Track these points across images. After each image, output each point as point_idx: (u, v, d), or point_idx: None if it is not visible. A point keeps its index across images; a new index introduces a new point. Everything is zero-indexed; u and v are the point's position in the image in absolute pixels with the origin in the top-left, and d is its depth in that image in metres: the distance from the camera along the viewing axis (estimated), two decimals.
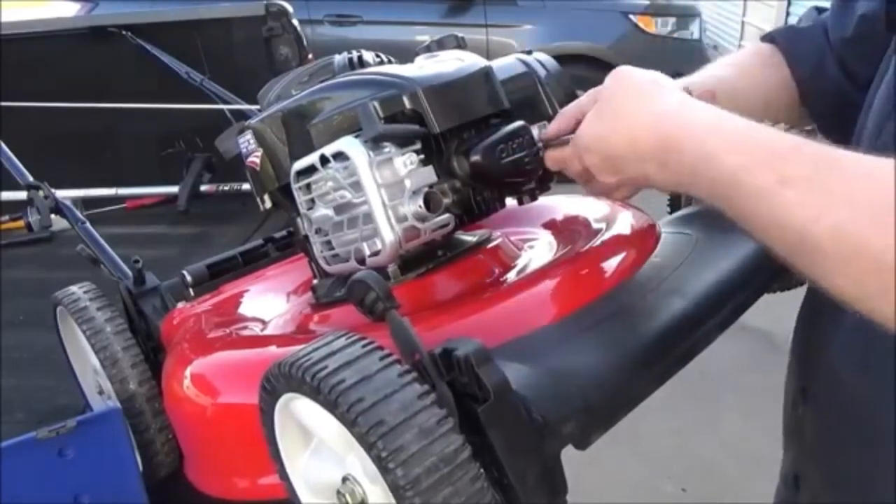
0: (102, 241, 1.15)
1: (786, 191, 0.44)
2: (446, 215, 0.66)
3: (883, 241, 0.39)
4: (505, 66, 0.75)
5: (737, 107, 0.52)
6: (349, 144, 0.63)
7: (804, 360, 0.70)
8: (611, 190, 0.65)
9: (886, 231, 0.39)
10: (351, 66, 0.79)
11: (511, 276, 0.75)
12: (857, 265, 0.41)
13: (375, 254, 0.64)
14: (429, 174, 0.65)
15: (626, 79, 0.58)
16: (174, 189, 2.21)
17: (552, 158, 0.67)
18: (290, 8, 2.27)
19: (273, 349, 0.73)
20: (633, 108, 0.56)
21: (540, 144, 0.68)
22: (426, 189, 0.64)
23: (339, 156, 0.64)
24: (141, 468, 0.95)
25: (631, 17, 4.34)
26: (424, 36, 3.35)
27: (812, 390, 0.67)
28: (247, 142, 0.80)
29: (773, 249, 0.47)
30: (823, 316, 0.64)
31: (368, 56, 0.81)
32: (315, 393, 0.46)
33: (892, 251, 0.39)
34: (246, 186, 1.83)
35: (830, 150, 0.45)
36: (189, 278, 0.96)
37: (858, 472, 0.60)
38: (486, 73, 0.70)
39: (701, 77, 0.72)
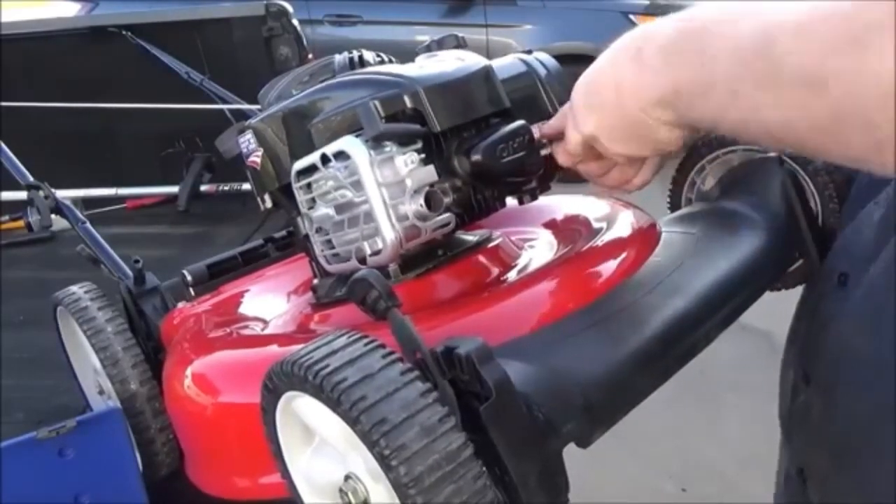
0: (103, 241, 1.16)
1: (781, 33, 0.42)
2: (447, 214, 0.66)
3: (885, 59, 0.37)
4: (505, 65, 0.75)
5: None
6: (350, 143, 0.63)
7: (807, 343, 0.69)
8: (620, 169, 0.64)
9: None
10: (351, 65, 0.79)
11: (512, 275, 0.76)
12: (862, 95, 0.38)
13: (376, 253, 0.65)
14: (430, 173, 0.65)
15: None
16: (174, 189, 2.21)
17: (562, 153, 0.67)
18: (290, 8, 2.28)
19: (274, 348, 0.73)
20: (615, 57, 0.56)
21: (544, 141, 0.68)
22: (427, 188, 0.64)
23: (340, 155, 0.64)
24: (141, 468, 0.95)
25: (631, 17, 4.35)
26: (424, 36, 3.35)
27: (817, 372, 0.67)
28: (247, 141, 0.80)
29: (733, 101, 0.46)
30: (828, 295, 0.64)
31: (369, 56, 0.81)
32: (317, 391, 0.46)
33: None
34: (246, 186, 1.83)
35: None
36: (189, 278, 0.96)
37: (871, 446, 0.60)
38: (487, 73, 0.70)
39: None
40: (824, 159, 0.44)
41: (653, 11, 4.41)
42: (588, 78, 0.58)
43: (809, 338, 0.69)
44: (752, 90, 0.44)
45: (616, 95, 0.55)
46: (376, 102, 0.65)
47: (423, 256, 0.71)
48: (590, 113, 0.58)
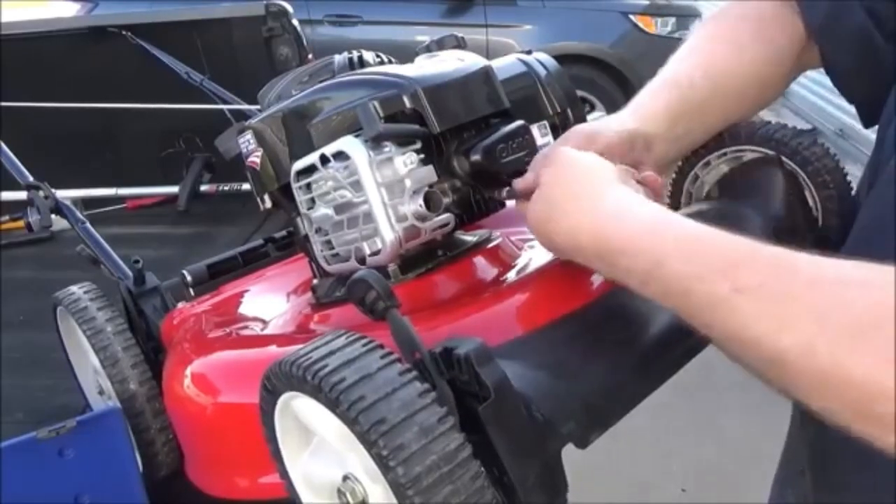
0: (103, 241, 1.16)
1: (741, 300, 0.41)
2: (446, 215, 0.66)
3: (864, 364, 0.35)
4: (505, 65, 0.75)
5: (728, 96, 0.50)
6: (350, 144, 0.63)
7: None
8: None
9: (866, 352, 0.35)
10: (351, 66, 0.79)
11: (511, 275, 0.76)
12: (837, 389, 0.37)
13: (376, 253, 0.65)
14: (429, 174, 0.65)
15: (564, 169, 0.57)
16: (174, 189, 2.21)
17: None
18: (290, 8, 2.28)
19: (273, 349, 0.73)
20: (572, 209, 0.54)
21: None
22: (426, 188, 0.64)
23: (340, 155, 0.64)
24: (141, 468, 0.95)
25: (631, 17, 4.34)
26: (424, 36, 3.35)
27: None
28: (247, 142, 0.80)
29: (738, 362, 0.44)
30: None
31: (368, 56, 0.81)
32: (316, 391, 0.46)
33: (884, 376, 0.34)
34: (246, 186, 1.83)
35: (789, 254, 0.42)
36: (189, 278, 0.96)
37: (872, 464, 0.59)
38: (486, 73, 0.70)
39: (663, 90, 0.67)
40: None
41: (652, 11, 4.41)
42: (546, 241, 0.58)
43: None
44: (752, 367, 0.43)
45: (584, 263, 0.55)
46: (376, 103, 0.65)
47: (422, 257, 0.71)
48: (549, 245, 0.59)
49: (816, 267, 0.40)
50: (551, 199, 0.56)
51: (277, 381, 0.50)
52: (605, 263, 0.52)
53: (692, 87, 0.66)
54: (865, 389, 0.35)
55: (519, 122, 0.68)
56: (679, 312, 0.47)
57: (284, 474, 0.56)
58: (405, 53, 0.82)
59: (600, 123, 0.66)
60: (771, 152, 0.74)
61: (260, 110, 0.83)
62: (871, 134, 0.62)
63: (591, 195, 0.53)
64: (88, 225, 1.20)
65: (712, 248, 0.45)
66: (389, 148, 0.63)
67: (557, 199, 0.55)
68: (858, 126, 0.65)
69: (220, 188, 2.20)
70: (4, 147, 1.44)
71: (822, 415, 0.39)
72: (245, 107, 2.04)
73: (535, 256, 0.81)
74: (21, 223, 2.13)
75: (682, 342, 0.61)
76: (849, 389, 0.36)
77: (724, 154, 0.85)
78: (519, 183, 0.64)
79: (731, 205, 0.83)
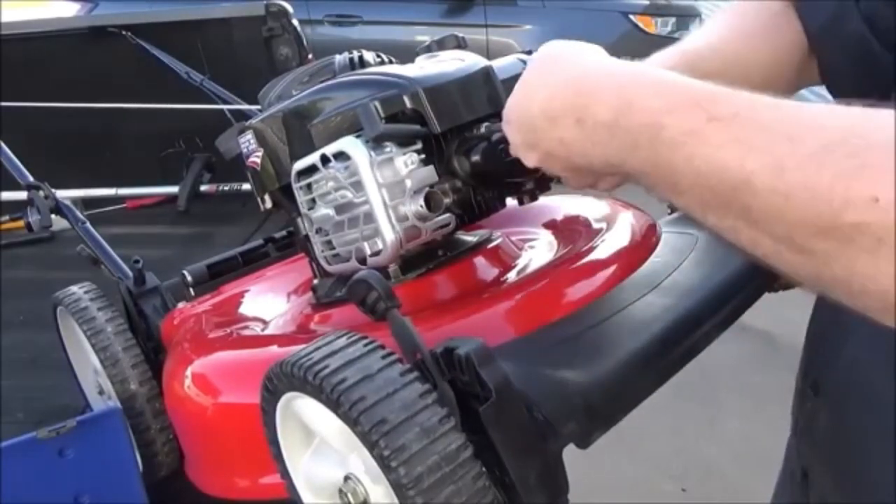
0: (103, 241, 1.16)
1: (714, 129, 0.39)
2: (447, 215, 0.66)
3: (831, 175, 0.34)
4: (505, 66, 0.75)
5: (732, 78, 0.49)
6: (350, 144, 0.63)
7: (819, 353, 0.68)
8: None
9: (835, 164, 0.34)
10: (351, 66, 0.79)
11: (511, 276, 0.76)
12: (802, 204, 0.35)
13: (376, 253, 0.65)
14: (430, 174, 0.65)
15: (550, 47, 0.55)
16: (174, 189, 2.21)
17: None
18: (290, 8, 2.28)
19: (274, 349, 0.73)
20: (552, 70, 0.52)
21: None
22: (427, 189, 0.64)
23: (340, 155, 0.64)
24: (141, 468, 0.95)
25: (631, 17, 4.34)
26: (424, 36, 3.36)
27: (827, 384, 0.65)
28: (247, 142, 0.80)
29: (704, 216, 0.42)
30: (844, 308, 0.62)
31: (369, 56, 0.81)
32: (317, 392, 0.46)
33: (851, 186, 0.33)
34: (246, 186, 1.83)
35: (769, 96, 0.40)
36: (189, 278, 0.97)
37: (873, 469, 0.59)
38: (487, 73, 0.70)
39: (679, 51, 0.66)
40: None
41: (652, 11, 4.41)
42: (527, 122, 0.54)
43: (823, 348, 0.67)
44: (725, 217, 0.41)
45: (564, 149, 0.51)
46: (376, 103, 0.65)
47: (423, 257, 0.71)
48: (532, 152, 0.55)
49: (796, 106, 0.38)
50: (534, 70, 0.54)
51: (279, 382, 0.50)
52: (573, 118, 0.49)
53: (700, 58, 0.65)
54: (832, 200, 0.34)
55: None
56: (644, 168, 0.44)
57: (285, 475, 0.56)
58: (405, 53, 0.82)
59: None
60: None
61: (260, 110, 0.83)
62: None
63: (576, 57, 0.52)
64: (88, 225, 1.20)
65: (688, 86, 0.43)
66: (390, 148, 0.63)
67: (539, 67, 0.53)
68: None
69: (220, 188, 2.20)
70: (4, 147, 1.44)
71: (779, 255, 0.38)
72: (245, 107, 2.04)
73: (535, 257, 0.81)
74: (21, 223, 2.13)
75: (682, 342, 0.61)
76: (815, 203, 0.35)
77: None
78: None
79: None
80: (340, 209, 0.67)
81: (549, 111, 0.51)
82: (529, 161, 0.56)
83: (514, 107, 0.55)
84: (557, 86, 0.51)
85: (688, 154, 0.40)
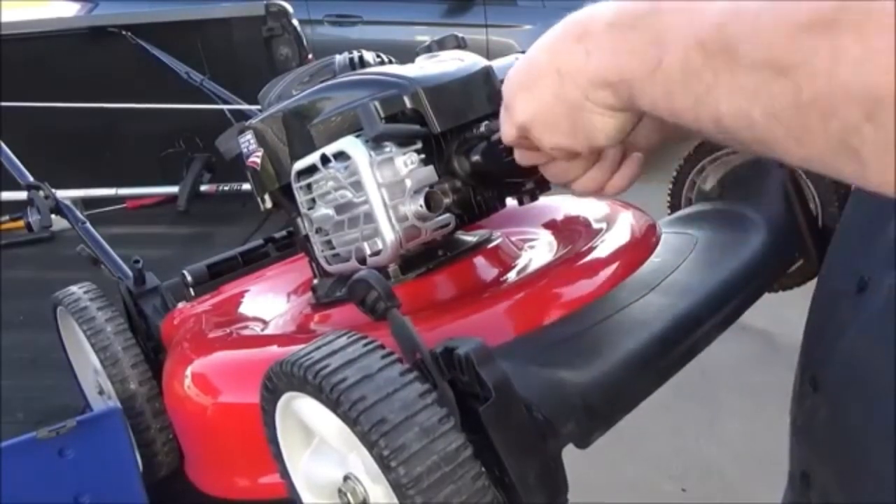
0: (103, 241, 1.16)
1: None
2: (447, 215, 0.66)
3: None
4: (505, 66, 0.75)
5: None
6: (350, 144, 0.63)
7: (817, 347, 0.68)
8: (593, 171, 0.59)
9: None
10: (352, 66, 0.79)
11: (511, 276, 0.76)
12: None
13: (376, 253, 0.65)
14: (429, 174, 0.65)
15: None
16: (174, 189, 2.21)
17: (519, 154, 0.61)
18: (290, 8, 2.28)
19: (274, 349, 0.73)
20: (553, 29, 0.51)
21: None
22: (427, 189, 0.64)
23: (340, 155, 0.64)
24: (141, 468, 0.95)
25: None
26: (424, 36, 3.36)
27: (826, 379, 0.65)
28: (247, 142, 0.80)
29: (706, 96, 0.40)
30: (845, 299, 0.60)
31: (369, 56, 0.81)
32: (317, 392, 0.46)
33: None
34: (246, 186, 1.83)
35: None
36: (189, 278, 0.97)
37: (873, 466, 0.59)
38: (487, 73, 0.70)
39: None
40: (783, 160, 0.40)
41: None
42: (525, 64, 0.53)
43: (821, 343, 0.67)
44: (704, 73, 0.39)
45: (557, 79, 0.50)
46: (376, 103, 0.65)
47: (422, 257, 0.71)
48: (526, 100, 0.53)
49: None
50: (533, 52, 0.52)
51: (278, 382, 0.50)
52: (575, 38, 0.48)
53: None
54: None
55: None
56: (664, 74, 0.42)
57: (285, 474, 0.57)
58: (405, 53, 0.82)
59: None
60: None
61: (260, 110, 0.83)
62: None
63: (578, 21, 0.50)
64: (88, 225, 1.20)
65: None
66: (390, 148, 0.63)
67: (540, 47, 0.52)
68: None
69: (220, 188, 2.20)
70: (4, 147, 1.44)
71: (762, 91, 0.37)
72: (245, 107, 2.04)
73: (534, 257, 0.81)
74: (21, 223, 2.13)
75: (682, 342, 0.61)
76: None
77: (726, 154, 0.85)
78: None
79: (731, 205, 0.83)
80: (340, 209, 0.67)
81: (551, 40, 0.50)
82: (522, 113, 0.53)
83: (520, 63, 0.54)
84: (558, 26, 0.51)
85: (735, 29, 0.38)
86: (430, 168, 0.65)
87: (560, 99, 0.51)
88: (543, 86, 0.51)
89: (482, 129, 0.67)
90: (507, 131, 0.57)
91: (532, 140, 0.55)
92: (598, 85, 0.48)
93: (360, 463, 0.48)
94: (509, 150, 0.67)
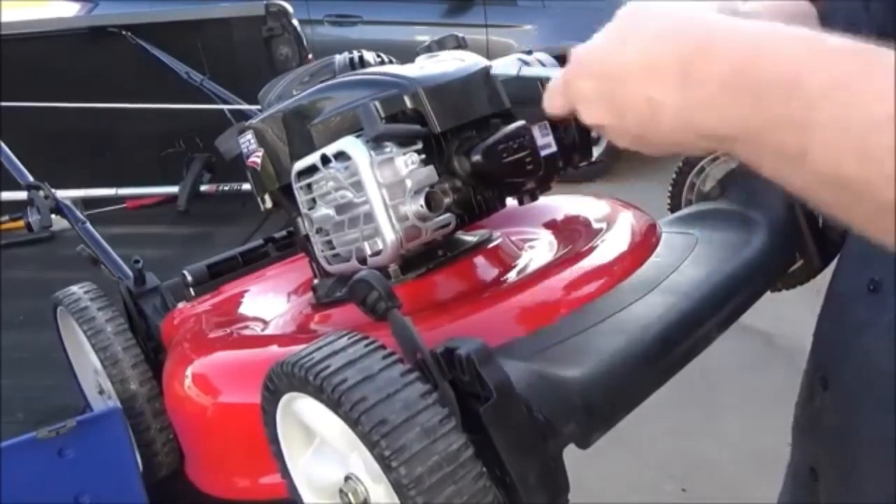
0: (103, 241, 1.15)
1: (867, 80, 0.35)
2: (447, 215, 0.66)
3: None
4: (505, 65, 0.75)
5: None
6: (350, 144, 0.63)
7: (830, 347, 0.67)
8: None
9: None
10: (352, 66, 0.79)
11: (511, 276, 0.76)
12: None
13: (377, 253, 0.65)
14: (430, 174, 0.65)
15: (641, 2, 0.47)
16: (174, 189, 2.21)
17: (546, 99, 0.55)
18: (290, 8, 2.27)
19: (274, 349, 0.73)
20: (655, 16, 0.44)
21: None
22: (427, 189, 0.64)
23: (341, 155, 0.64)
24: (141, 468, 0.95)
25: None
26: (424, 36, 3.35)
27: (838, 378, 0.65)
28: (248, 142, 0.80)
29: (832, 184, 0.37)
30: (858, 300, 0.60)
31: (369, 56, 0.81)
32: (318, 392, 0.46)
33: None
34: (246, 186, 1.82)
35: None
36: (189, 278, 0.97)
37: (882, 464, 0.59)
38: (487, 73, 0.70)
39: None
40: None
41: None
42: (608, 66, 0.46)
43: (833, 343, 0.66)
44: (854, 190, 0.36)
45: (646, 109, 0.44)
46: (376, 103, 0.65)
47: (423, 257, 0.71)
48: (604, 108, 0.47)
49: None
50: (627, 16, 0.46)
51: (279, 382, 0.50)
52: (677, 70, 0.42)
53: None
54: None
55: (519, 123, 0.69)
56: (762, 132, 0.39)
57: (286, 474, 0.56)
58: (405, 53, 0.82)
59: None
60: None
61: (260, 110, 0.83)
62: None
63: (676, 9, 0.44)
64: (88, 225, 1.20)
65: (821, 38, 0.38)
66: (390, 148, 0.63)
67: (634, 13, 0.46)
68: None
69: (220, 188, 2.19)
70: (4, 147, 1.44)
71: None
72: (245, 107, 2.03)
73: (535, 257, 0.81)
74: (21, 223, 2.13)
75: (682, 342, 0.61)
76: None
77: (717, 159, 0.85)
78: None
79: (731, 205, 0.83)
80: (341, 209, 0.67)
81: (648, 60, 0.43)
82: (590, 116, 0.48)
83: (597, 50, 0.48)
84: (662, 32, 0.43)
85: (834, 107, 0.35)
86: (431, 168, 0.65)
87: (643, 125, 0.45)
88: (629, 108, 0.45)
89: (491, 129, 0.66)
90: (557, 106, 0.52)
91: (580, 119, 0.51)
92: (704, 136, 0.43)
93: (362, 463, 0.48)
94: (509, 151, 0.67)
